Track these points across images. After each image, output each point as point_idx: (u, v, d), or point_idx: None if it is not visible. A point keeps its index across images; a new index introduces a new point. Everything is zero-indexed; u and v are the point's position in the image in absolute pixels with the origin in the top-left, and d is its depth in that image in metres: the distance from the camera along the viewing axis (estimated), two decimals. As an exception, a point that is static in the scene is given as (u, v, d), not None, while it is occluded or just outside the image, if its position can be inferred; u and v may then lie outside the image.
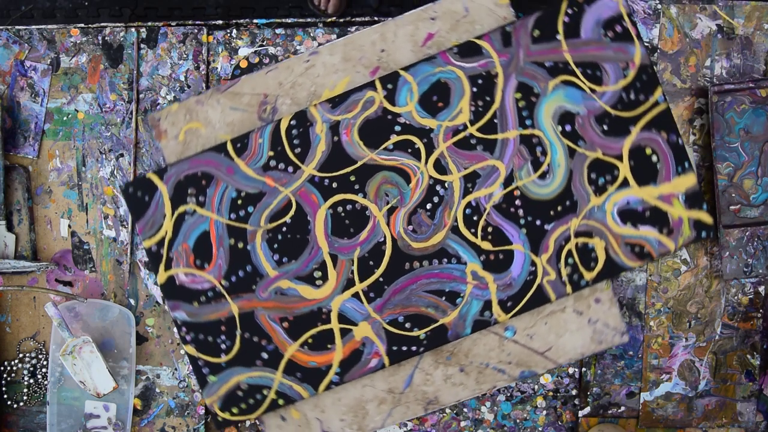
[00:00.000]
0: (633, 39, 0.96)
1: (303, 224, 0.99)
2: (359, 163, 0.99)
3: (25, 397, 1.04)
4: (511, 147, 0.98)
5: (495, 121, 0.98)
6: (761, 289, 1.01)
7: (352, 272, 0.99)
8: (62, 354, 0.98)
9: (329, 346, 0.99)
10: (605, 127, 0.97)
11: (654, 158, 0.96)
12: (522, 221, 0.98)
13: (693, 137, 1.01)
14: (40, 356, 1.04)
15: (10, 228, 1.04)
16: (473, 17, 1.00)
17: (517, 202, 0.98)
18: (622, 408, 1.02)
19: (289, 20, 1.03)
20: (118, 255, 1.03)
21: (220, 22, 1.04)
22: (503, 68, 0.97)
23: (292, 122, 0.99)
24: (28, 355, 1.04)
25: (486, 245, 0.98)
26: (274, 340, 0.99)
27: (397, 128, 0.98)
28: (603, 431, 1.00)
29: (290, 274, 0.99)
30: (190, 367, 1.03)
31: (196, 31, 1.03)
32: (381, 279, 0.99)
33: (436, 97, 0.98)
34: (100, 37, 1.04)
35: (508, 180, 0.98)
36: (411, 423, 1.03)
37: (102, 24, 1.04)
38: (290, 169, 0.99)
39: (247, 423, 1.03)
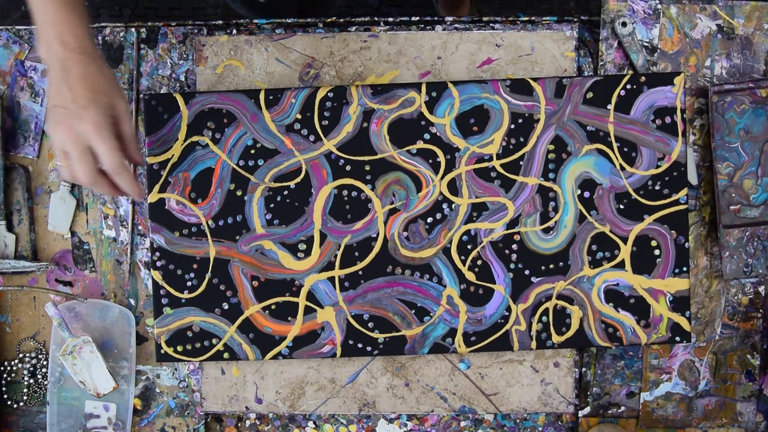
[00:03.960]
0: (678, 134, 0.97)
1: (305, 194, 0.99)
2: (378, 156, 0.99)
3: (25, 397, 1.03)
4: (527, 193, 0.98)
5: (521, 163, 0.98)
6: (761, 289, 1.02)
7: (335, 256, 0.99)
8: (62, 354, 0.98)
9: (290, 318, 0.99)
10: (621, 206, 0.98)
11: (657, 252, 0.98)
12: (512, 266, 0.99)
13: (693, 137, 1.02)
14: (40, 356, 1.03)
15: (10, 228, 1.03)
16: (536, 58, 1.01)
17: (514, 246, 0.98)
18: (622, 408, 1.03)
19: (289, 20, 1.03)
20: (118, 255, 1.03)
21: (220, 22, 1.03)
22: (546, 117, 0.98)
23: (329, 94, 0.98)
24: (28, 355, 1.03)
25: (470, 276, 0.99)
26: (239, 294, 0.99)
27: (427, 136, 0.98)
28: (603, 431, 1.01)
29: (276, 238, 0.99)
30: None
31: (196, 31, 1.02)
32: (360, 272, 0.99)
33: (473, 120, 0.98)
34: (100, 37, 1.03)
35: (513, 222, 0.98)
36: (411, 423, 1.03)
37: (102, 24, 1.03)
38: (312, 137, 0.99)
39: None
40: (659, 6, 1.00)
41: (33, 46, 1.03)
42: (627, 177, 0.98)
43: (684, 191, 0.98)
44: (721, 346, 1.02)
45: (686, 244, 0.98)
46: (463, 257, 0.99)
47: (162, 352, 0.99)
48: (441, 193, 0.99)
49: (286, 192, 0.99)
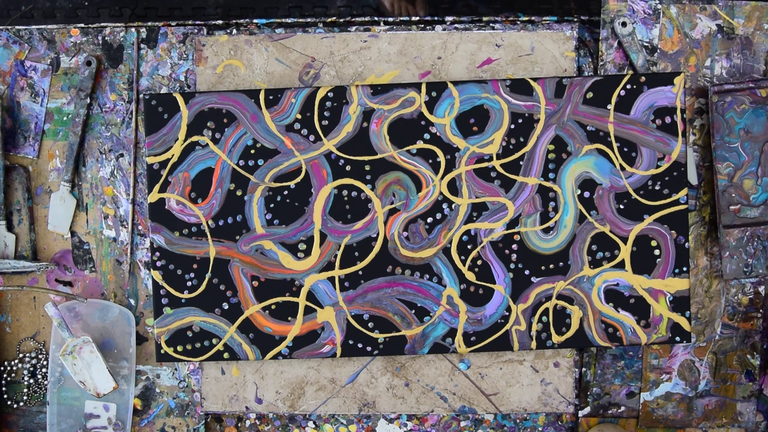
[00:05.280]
0: (678, 134, 0.97)
1: (305, 194, 0.99)
2: (378, 156, 0.99)
3: (25, 397, 1.04)
4: (527, 193, 0.98)
5: (521, 163, 0.98)
6: (761, 289, 1.02)
7: (335, 256, 0.99)
8: (62, 354, 0.98)
9: (290, 318, 0.99)
10: (621, 207, 0.98)
11: (657, 252, 0.98)
12: (512, 266, 0.99)
13: (693, 137, 1.02)
14: (40, 356, 1.04)
15: (10, 228, 1.03)
16: (536, 58, 1.01)
17: (514, 246, 0.98)
18: (622, 408, 1.03)
19: (289, 20, 1.03)
20: (118, 255, 1.03)
21: (220, 22, 1.03)
22: (546, 117, 0.98)
23: (329, 94, 0.98)
24: (28, 355, 1.03)
25: (470, 276, 0.99)
26: (239, 294, 0.99)
27: (427, 136, 0.98)
28: (603, 431, 1.01)
29: (276, 238, 0.99)
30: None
31: (196, 31, 1.02)
32: (360, 272, 0.99)
33: (473, 120, 0.98)
34: (100, 37, 1.03)
35: (513, 222, 0.98)
36: (411, 423, 1.03)
37: (102, 24, 1.03)
38: (312, 137, 0.99)
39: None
40: (659, 6, 1.00)
41: (33, 46, 1.03)
42: (627, 177, 0.98)
43: (684, 191, 0.98)
44: (721, 346, 1.02)
45: (686, 244, 0.98)
46: (463, 257, 0.99)
47: (162, 352, 0.99)
48: (441, 193, 0.99)
49: (286, 192, 0.99)
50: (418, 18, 1.02)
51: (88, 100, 1.02)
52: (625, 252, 0.98)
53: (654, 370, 1.02)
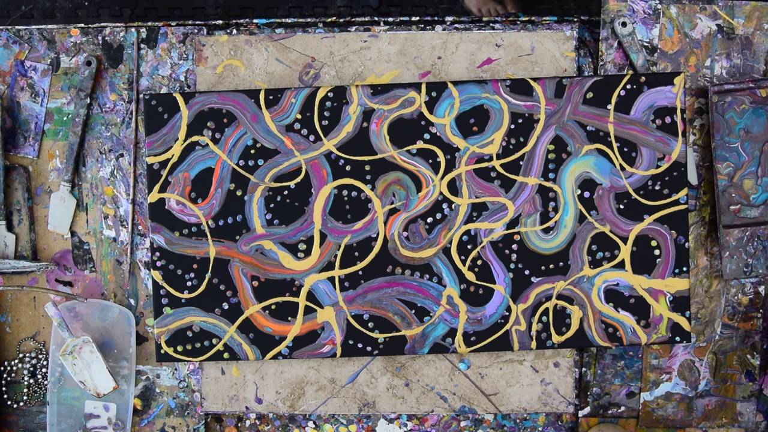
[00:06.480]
0: (678, 134, 0.97)
1: (305, 194, 0.99)
2: (378, 156, 0.99)
3: (25, 397, 1.04)
4: (527, 193, 0.98)
5: (521, 163, 0.98)
6: (761, 289, 1.02)
7: (335, 256, 0.99)
8: (62, 354, 0.98)
9: (290, 318, 0.99)
10: (621, 207, 0.98)
11: (657, 252, 0.98)
12: (512, 266, 0.99)
13: (693, 137, 1.02)
14: (40, 356, 1.04)
15: (10, 228, 1.03)
16: (536, 58, 1.01)
17: (514, 246, 0.98)
18: (622, 408, 1.03)
19: (289, 20, 1.03)
20: (118, 255, 1.03)
21: (220, 22, 1.03)
22: (546, 117, 0.98)
23: (329, 94, 0.98)
24: (28, 355, 1.03)
25: (470, 276, 0.99)
26: (239, 294, 0.99)
27: (427, 136, 0.98)
28: (603, 431, 1.01)
29: (276, 238, 0.99)
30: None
31: (196, 31, 1.02)
32: (360, 272, 0.99)
33: (473, 120, 0.98)
34: (100, 37, 1.03)
35: (513, 222, 0.98)
36: (411, 423, 1.03)
37: (102, 24, 1.03)
38: (312, 137, 0.99)
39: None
40: (659, 6, 1.00)
41: (33, 46, 1.03)
42: (627, 177, 0.98)
43: (684, 191, 0.98)
44: (721, 346, 1.02)
45: (686, 244, 0.98)
46: (463, 257, 0.99)
47: (162, 352, 0.99)
48: (441, 193, 0.99)
49: (286, 192, 0.99)
50: (417, 18, 1.02)
51: (88, 100, 1.02)
52: (625, 252, 0.98)
53: (654, 370, 1.02)
